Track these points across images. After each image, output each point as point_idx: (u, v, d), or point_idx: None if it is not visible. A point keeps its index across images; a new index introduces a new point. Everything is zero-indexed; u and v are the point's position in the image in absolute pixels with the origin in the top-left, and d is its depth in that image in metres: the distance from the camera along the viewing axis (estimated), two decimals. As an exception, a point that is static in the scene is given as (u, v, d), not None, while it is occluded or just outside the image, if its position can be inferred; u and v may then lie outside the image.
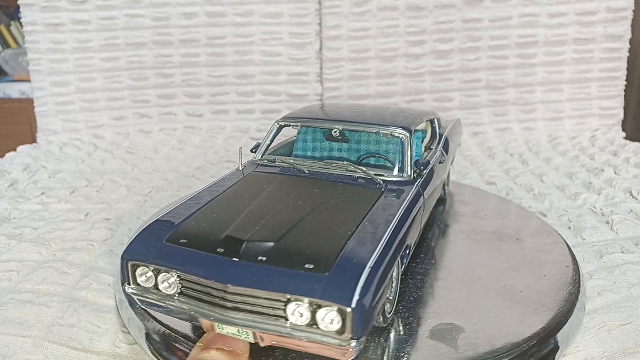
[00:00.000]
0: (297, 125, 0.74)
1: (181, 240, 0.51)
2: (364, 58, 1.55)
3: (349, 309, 0.42)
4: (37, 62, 1.54)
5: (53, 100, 1.56)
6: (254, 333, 0.47)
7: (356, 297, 0.43)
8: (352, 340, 0.43)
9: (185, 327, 0.56)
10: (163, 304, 0.50)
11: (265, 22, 1.54)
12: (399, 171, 0.66)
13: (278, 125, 0.75)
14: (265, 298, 0.46)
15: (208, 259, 0.48)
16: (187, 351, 0.53)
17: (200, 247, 0.49)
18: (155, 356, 0.56)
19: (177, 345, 0.55)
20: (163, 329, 0.57)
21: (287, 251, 0.48)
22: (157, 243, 0.51)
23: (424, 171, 0.67)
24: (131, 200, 1.02)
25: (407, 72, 1.56)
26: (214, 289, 0.47)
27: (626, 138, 1.52)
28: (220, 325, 0.48)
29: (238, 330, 0.47)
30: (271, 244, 0.49)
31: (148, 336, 0.58)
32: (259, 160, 0.72)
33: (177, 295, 0.49)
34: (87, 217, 0.94)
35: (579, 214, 0.94)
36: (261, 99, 1.58)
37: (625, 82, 1.57)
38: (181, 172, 1.22)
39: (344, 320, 0.43)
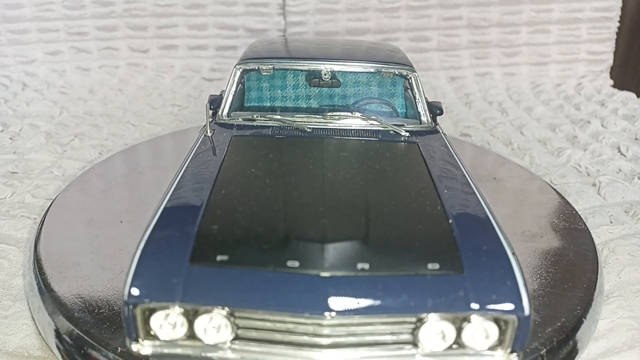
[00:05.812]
0: (269, 69, 0.57)
1: (219, 258, 0.34)
2: (333, -11, 1.37)
3: (519, 317, 0.32)
4: (-50, -17, 1.32)
5: (-26, 31, 1.35)
6: None
7: (525, 299, 0.32)
8: (513, 355, 0.33)
9: (107, 334, 0.43)
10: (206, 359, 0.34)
11: (219, -58, 1.33)
12: (416, 118, 0.56)
13: (241, 70, 0.58)
14: (385, 323, 0.33)
15: (282, 280, 0.32)
16: None
17: (257, 263, 0.33)
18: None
19: (93, 353, 0.41)
20: (76, 330, 0.43)
21: (389, 249, 0.34)
22: (179, 268, 0.33)
23: (440, 115, 0.57)
24: (47, 150, 0.86)
25: (381, 6, 1.38)
26: (301, 323, 0.32)
27: (614, 86, 1.40)
28: None
29: None
30: (361, 241, 0.34)
31: (58, 334, 0.44)
32: (228, 119, 0.55)
33: (229, 342, 0.34)
34: (-11, 171, 0.79)
35: (563, 174, 0.82)
36: (215, 33, 1.40)
37: (618, 24, 1.43)
38: (115, 117, 1.06)
39: (502, 331, 0.33)
